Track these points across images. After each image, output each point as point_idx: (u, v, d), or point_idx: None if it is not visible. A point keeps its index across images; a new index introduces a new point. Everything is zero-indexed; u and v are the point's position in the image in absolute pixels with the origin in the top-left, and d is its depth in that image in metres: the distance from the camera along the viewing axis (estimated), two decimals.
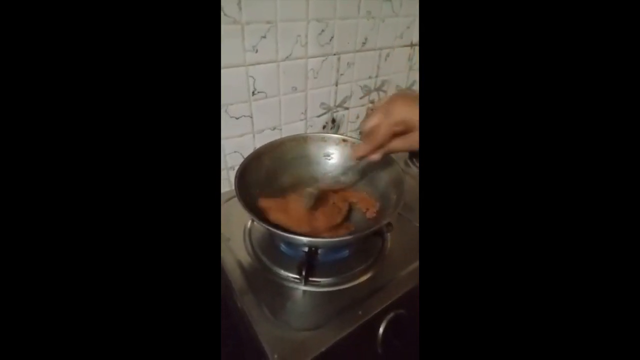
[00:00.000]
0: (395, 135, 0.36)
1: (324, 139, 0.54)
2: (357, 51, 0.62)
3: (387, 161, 0.50)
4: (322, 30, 0.55)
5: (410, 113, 0.34)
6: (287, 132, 0.63)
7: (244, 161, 0.47)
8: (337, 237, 0.40)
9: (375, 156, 0.39)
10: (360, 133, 0.38)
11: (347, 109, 0.69)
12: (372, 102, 0.72)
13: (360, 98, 0.70)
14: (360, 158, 0.41)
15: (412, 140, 0.35)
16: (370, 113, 0.38)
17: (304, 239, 0.37)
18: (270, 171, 0.51)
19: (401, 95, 0.36)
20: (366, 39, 0.61)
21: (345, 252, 0.46)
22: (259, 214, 0.42)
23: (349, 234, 0.39)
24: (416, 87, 0.79)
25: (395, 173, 0.47)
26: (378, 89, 0.71)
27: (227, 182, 0.61)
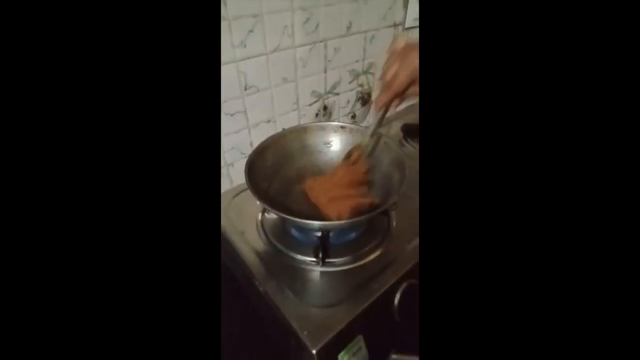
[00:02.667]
0: (413, 82, 0.38)
1: (322, 128, 0.56)
2: (343, 36, 0.62)
3: (385, 143, 0.51)
4: (308, 19, 0.55)
5: None
6: (281, 123, 0.63)
7: (249, 156, 0.48)
8: (346, 220, 0.42)
9: (396, 103, 0.41)
10: (381, 81, 0.41)
11: (337, 94, 0.70)
12: (361, 85, 0.74)
13: (350, 83, 0.71)
14: (383, 107, 0.42)
15: None
16: (387, 62, 0.40)
17: (316, 223, 0.39)
18: (275, 164, 0.53)
19: (415, 43, 0.37)
20: (351, 23, 0.62)
21: (355, 234, 0.49)
22: (271, 202, 0.44)
23: (358, 214, 0.41)
24: None
25: (395, 154, 0.49)
26: (366, 72, 0.72)
27: (228, 179, 0.62)
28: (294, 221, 0.42)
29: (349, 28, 0.62)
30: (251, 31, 0.50)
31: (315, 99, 0.67)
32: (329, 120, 0.72)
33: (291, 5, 0.52)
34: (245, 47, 0.50)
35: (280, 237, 0.49)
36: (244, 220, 0.53)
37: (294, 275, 0.43)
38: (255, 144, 0.62)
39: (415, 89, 0.39)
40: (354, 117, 0.78)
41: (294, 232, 0.49)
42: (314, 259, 0.44)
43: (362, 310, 0.39)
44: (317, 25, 0.57)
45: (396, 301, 0.43)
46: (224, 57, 0.49)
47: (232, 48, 0.49)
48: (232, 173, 0.62)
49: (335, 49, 0.62)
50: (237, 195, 0.58)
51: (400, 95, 0.40)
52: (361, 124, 0.81)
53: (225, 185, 0.62)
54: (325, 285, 0.43)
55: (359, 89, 0.74)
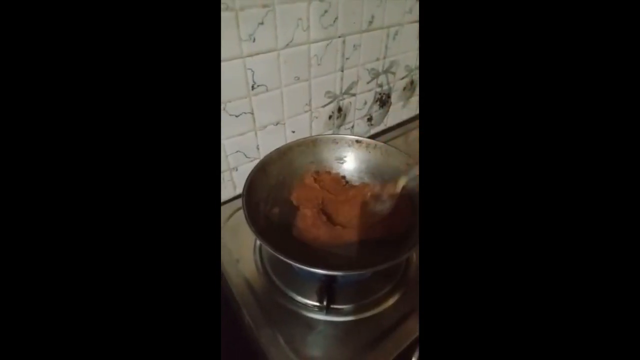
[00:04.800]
0: None
1: (335, 141, 0.49)
2: (364, 31, 0.56)
3: (409, 164, 0.45)
4: (325, 11, 0.49)
5: None
6: (291, 125, 0.58)
7: (249, 176, 0.43)
8: (360, 269, 0.35)
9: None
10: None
11: (353, 95, 0.64)
12: (380, 85, 0.67)
13: (368, 83, 0.64)
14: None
15: None
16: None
17: (319, 272, 0.32)
18: (279, 182, 0.47)
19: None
20: (373, 17, 0.55)
21: (368, 273, 0.42)
22: (271, 238, 0.37)
23: (375, 264, 0.33)
24: None
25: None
26: (386, 71, 0.66)
27: (231, 185, 0.57)
28: (296, 266, 0.35)
29: (370, 22, 0.55)
30: (261, 23, 0.44)
31: (329, 100, 0.61)
32: (342, 123, 0.66)
33: None
34: (254, 41, 0.45)
35: (280, 271, 0.43)
36: (240, 244, 0.47)
37: (293, 322, 0.37)
38: (262, 148, 0.57)
39: None
40: (370, 119, 0.72)
41: (295, 266, 0.43)
42: (317, 304, 0.38)
43: None
44: (336, 18, 0.51)
45: None
46: (230, 52, 0.44)
47: (239, 42, 0.44)
48: (236, 177, 0.57)
49: (354, 45, 0.56)
50: (236, 211, 0.52)
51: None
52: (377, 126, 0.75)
53: (228, 191, 0.57)
54: (328, 339, 0.36)
55: (378, 89, 0.67)
